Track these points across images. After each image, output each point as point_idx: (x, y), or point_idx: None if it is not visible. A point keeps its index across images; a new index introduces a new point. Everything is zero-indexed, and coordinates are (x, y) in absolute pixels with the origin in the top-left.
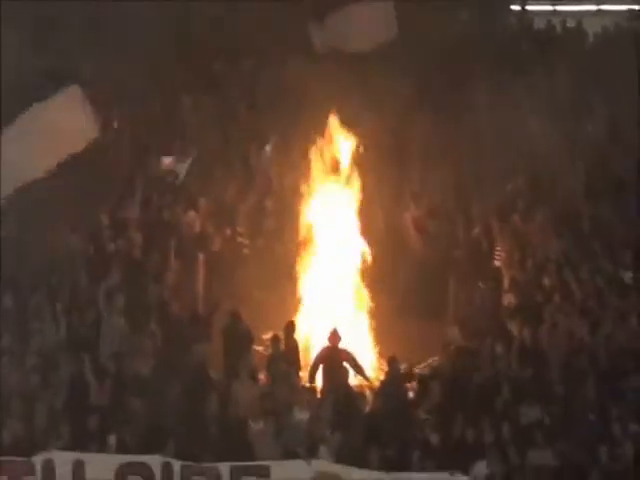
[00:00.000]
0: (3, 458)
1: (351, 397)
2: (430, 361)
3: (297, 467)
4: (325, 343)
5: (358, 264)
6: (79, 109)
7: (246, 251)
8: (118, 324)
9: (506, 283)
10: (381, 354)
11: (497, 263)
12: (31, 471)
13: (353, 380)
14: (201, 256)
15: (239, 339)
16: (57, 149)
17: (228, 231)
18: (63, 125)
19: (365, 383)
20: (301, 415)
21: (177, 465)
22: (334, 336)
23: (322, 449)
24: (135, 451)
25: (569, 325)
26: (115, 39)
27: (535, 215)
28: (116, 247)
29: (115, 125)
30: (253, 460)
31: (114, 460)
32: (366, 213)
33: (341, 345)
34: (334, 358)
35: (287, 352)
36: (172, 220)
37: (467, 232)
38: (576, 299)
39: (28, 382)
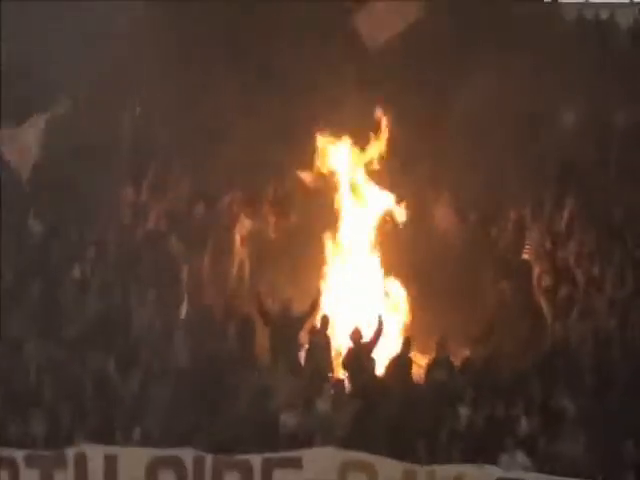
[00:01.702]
0: (35, 452)
1: (379, 388)
2: (462, 354)
3: (329, 456)
4: (349, 343)
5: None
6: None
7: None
8: (148, 313)
9: (535, 276)
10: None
11: (526, 256)
12: (63, 464)
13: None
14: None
15: (287, 329)
16: None
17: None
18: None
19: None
20: (330, 406)
21: (209, 458)
22: (356, 334)
23: (353, 439)
24: (162, 444)
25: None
26: None
27: (565, 205)
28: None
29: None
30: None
31: (146, 453)
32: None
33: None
34: (360, 354)
35: (323, 345)
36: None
37: (499, 226)
38: (606, 290)
39: (54, 375)
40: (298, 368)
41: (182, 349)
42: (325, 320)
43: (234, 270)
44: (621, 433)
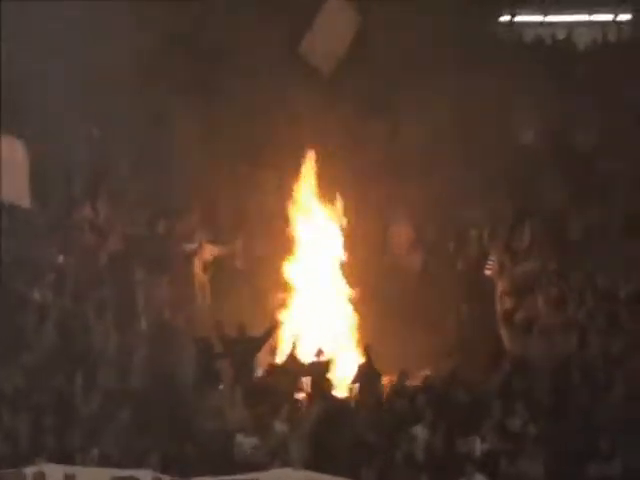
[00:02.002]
0: None
1: (336, 408)
2: (422, 373)
3: (287, 477)
4: (312, 358)
5: (342, 277)
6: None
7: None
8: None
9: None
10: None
11: (488, 272)
12: None
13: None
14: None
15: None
16: None
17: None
18: None
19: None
20: (286, 427)
21: None
22: (319, 354)
23: (308, 460)
24: (119, 464)
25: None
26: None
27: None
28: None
29: None
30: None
31: (105, 473)
32: (354, 226)
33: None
34: (320, 371)
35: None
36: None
37: (458, 243)
38: (568, 309)
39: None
40: (255, 390)
41: (141, 370)
42: (294, 342)
43: (195, 292)
44: (581, 453)
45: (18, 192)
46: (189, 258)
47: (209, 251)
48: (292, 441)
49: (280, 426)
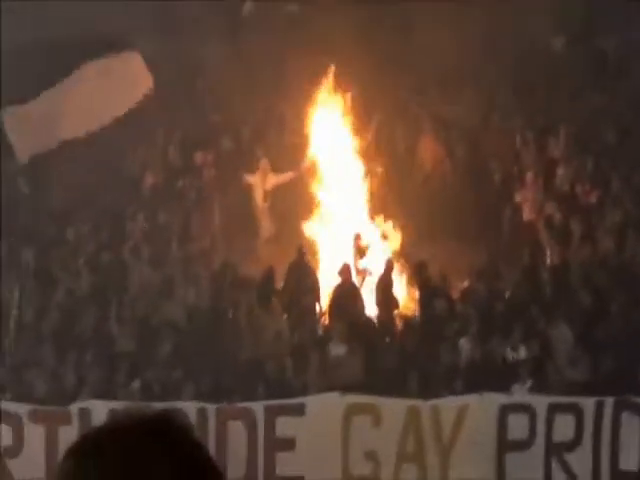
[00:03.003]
0: (40, 407)
1: (369, 326)
2: (462, 285)
3: (331, 401)
4: (337, 280)
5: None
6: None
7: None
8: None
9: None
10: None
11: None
12: (67, 420)
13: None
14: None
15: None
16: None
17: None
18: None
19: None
20: (336, 349)
21: (212, 409)
22: (346, 271)
23: (353, 381)
24: (161, 397)
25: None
26: None
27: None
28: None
29: None
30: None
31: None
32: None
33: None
34: (348, 294)
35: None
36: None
37: (491, 154)
38: (606, 213)
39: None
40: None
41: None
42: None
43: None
44: (624, 356)
45: None
46: (250, 187)
47: (270, 180)
48: (338, 364)
49: (335, 348)
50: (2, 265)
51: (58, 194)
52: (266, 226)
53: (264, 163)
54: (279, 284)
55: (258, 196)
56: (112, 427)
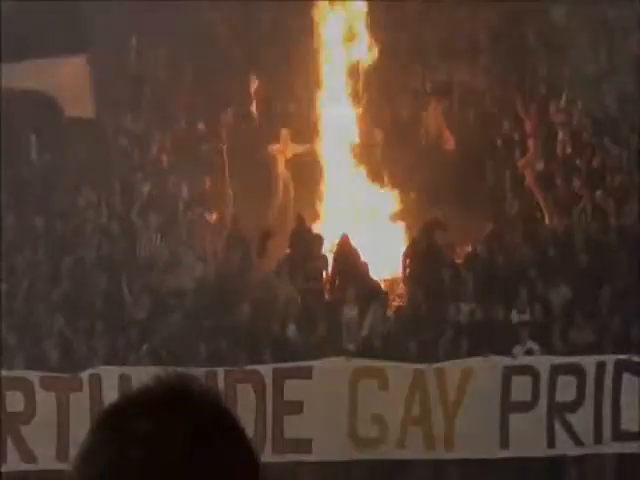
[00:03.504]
0: (51, 374)
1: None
2: (465, 250)
3: (338, 365)
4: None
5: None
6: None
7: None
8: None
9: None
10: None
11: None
12: (78, 387)
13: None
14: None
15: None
16: None
17: None
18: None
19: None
20: (350, 312)
21: (221, 372)
22: (344, 243)
23: (360, 345)
24: (171, 362)
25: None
26: None
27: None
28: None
29: None
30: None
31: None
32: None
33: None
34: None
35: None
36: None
37: (496, 118)
38: (606, 178)
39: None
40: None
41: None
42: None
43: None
44: (627, 319)
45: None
46: (274, 157)
47: (291, 149)
48: (346, 328)
49: (349, 311)
50: (14, 234)
51: (68, 163)
52: (287, 195)
53: (285, 133)
54: (285, 250)
55: (280, 165)
56: (144, 398)
